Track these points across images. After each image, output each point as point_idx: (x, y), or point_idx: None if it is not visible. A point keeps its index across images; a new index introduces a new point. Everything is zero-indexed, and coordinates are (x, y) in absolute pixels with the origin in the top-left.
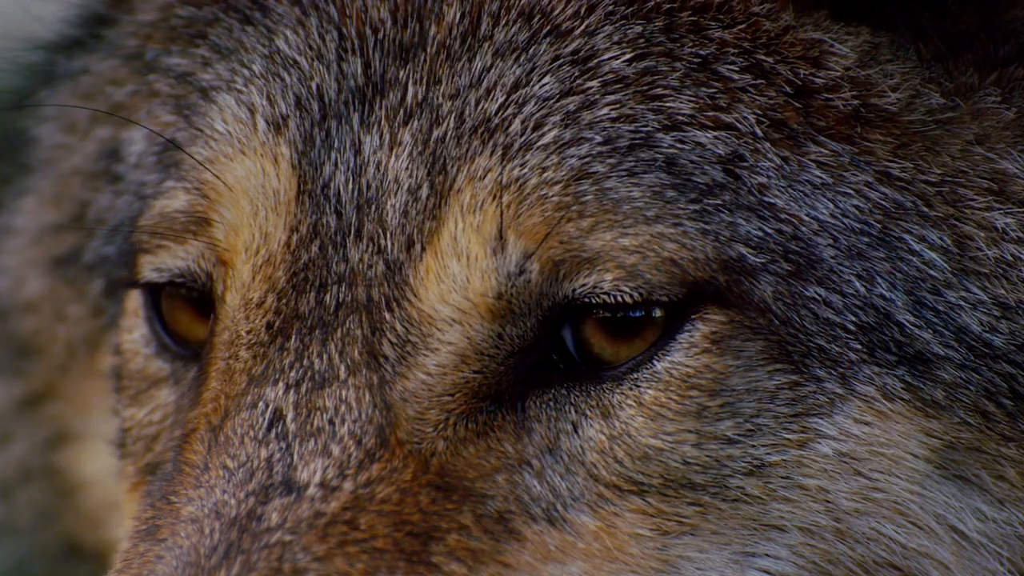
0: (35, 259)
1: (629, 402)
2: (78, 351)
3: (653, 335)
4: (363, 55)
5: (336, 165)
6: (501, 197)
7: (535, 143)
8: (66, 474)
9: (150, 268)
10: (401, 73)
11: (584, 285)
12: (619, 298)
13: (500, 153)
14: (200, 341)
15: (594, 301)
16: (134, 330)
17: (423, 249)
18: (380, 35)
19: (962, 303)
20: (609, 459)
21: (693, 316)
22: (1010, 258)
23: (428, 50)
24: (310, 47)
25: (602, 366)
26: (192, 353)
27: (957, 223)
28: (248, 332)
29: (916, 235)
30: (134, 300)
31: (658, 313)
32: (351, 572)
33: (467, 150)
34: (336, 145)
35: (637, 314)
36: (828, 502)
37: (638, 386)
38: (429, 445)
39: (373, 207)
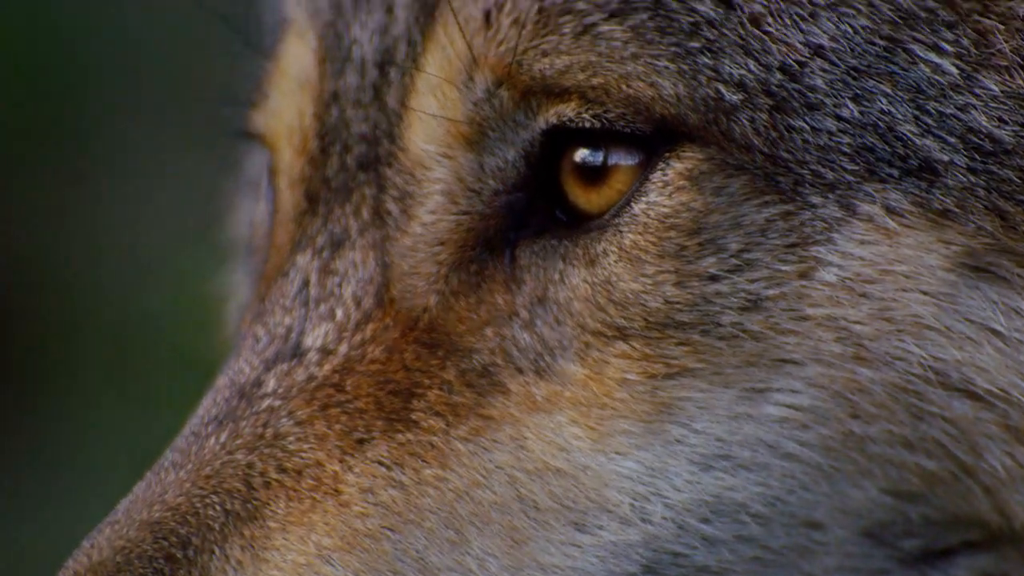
0: None
1: (612, 248)
2: None
3: (627, 180)
4: None
5: (364, 26)
6: (467, 29)
7: None
8: None
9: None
10: None
11: (555, 114)
12: (584, 124)
13: None
14: None
15: (568, 127)
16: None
17: (408, 99)
18: None
19: (972, 102)
20: (593, 307)
21: (667, 155)
22: None
23: None
24: None
25: (588, 217)
26: None
27: (980, 18)
28: (294, 207)
29: (927, 44)
30: None
31: (630, 157)
32: (328, 434)
33: None
34: (367, 6)
35: (611, 156)
36: (841, 329)
37: (620, 231)
38: (421, 300)
39: (390, 67)
